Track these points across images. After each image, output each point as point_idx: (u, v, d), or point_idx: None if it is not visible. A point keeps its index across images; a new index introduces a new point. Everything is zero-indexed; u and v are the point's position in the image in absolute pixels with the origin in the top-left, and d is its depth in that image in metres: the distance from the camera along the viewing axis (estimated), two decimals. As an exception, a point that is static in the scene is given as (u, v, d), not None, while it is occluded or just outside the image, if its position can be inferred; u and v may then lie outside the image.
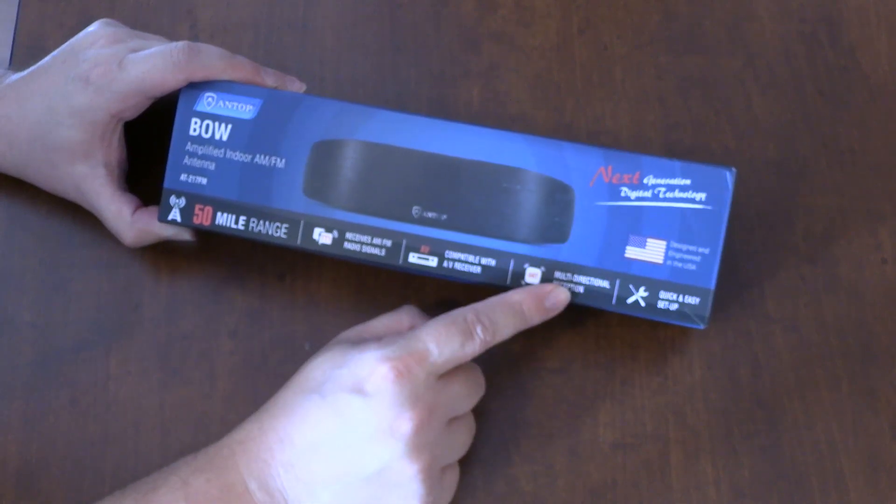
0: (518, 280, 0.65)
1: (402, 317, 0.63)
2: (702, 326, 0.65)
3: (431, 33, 0.79)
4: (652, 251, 0.65)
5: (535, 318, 0.63)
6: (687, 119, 0.76)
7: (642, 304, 0.65)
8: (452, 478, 0.62)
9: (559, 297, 0.64)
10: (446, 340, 0.60)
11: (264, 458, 0.59)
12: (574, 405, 0.67)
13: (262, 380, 0.68)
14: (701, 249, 0.65)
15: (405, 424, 0.58)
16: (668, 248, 0.65)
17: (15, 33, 0.78)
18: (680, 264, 0.65)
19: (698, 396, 0.67)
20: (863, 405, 0.67)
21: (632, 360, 0.68)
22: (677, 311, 0.65)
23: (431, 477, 0.59)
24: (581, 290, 0.65)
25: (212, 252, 0.71)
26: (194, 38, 0.78)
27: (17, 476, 0.65)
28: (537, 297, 0.63)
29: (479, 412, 0.67)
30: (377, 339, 0.61)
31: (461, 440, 0.62)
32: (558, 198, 0.65)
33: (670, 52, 0.78)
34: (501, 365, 0.68)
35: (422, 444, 0.59)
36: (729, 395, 0.67)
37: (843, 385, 0.68)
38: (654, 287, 0.65)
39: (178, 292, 0.70)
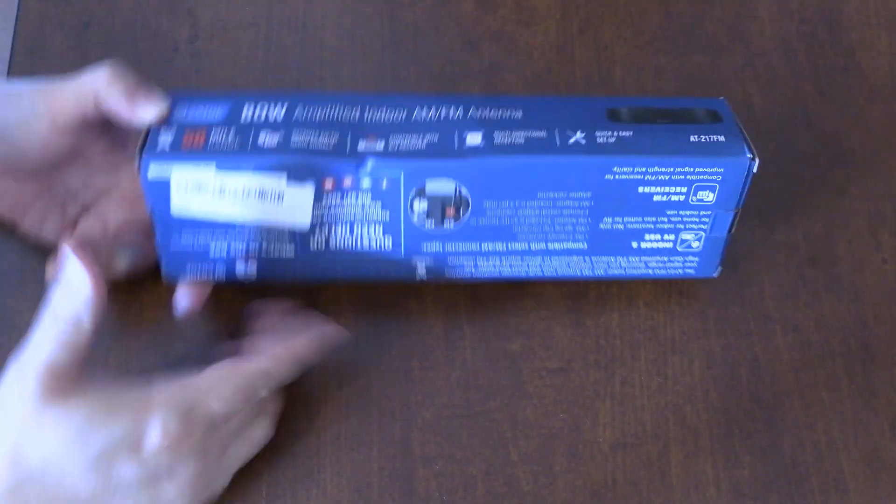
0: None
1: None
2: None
3: (431, 33, 0.79)
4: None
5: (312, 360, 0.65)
6: (687, 119, 0.76)
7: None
8: (241, 446, 0.63)
9: (334, 338, 0.66)
10: (229, 401, 0.60)
11: None
12: (574, 405, 0.67)
13: (262, 380, 0.68)
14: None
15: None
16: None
17: (15, 33, 0.78)
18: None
19: (698, 396, 0.67)
20: (863, 405, 0.67)
21: (632, 360, 0.68)
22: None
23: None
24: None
25: (212, 252, 0.71)
26: (194, 37, 0.78)
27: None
28: (320, 343, 0.65)
29: (480, 412, 0.67)
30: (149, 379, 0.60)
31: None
32: None
33: (670, 52, 0.78)
34: (501, 365, 0.68)
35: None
36: (729, 395, 0.67)
37: (843, 385, 0.68)
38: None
39: (178, 292, 0.70)
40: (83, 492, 0.57)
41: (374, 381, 0.67)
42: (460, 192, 0.62)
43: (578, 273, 0.67)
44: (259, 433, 0.64)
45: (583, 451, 0.66)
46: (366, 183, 0.62)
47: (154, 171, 0.61)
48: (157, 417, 0.58)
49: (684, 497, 0.65)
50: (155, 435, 0.58)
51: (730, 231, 0.65)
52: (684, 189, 0.63)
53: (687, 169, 0.62)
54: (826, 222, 0.73)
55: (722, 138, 0.62)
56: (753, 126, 0.75)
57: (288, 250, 0.64)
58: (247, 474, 0.65)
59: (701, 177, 0.63)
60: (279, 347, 0.63)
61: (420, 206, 0.63)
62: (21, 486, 0.57)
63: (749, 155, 0.62)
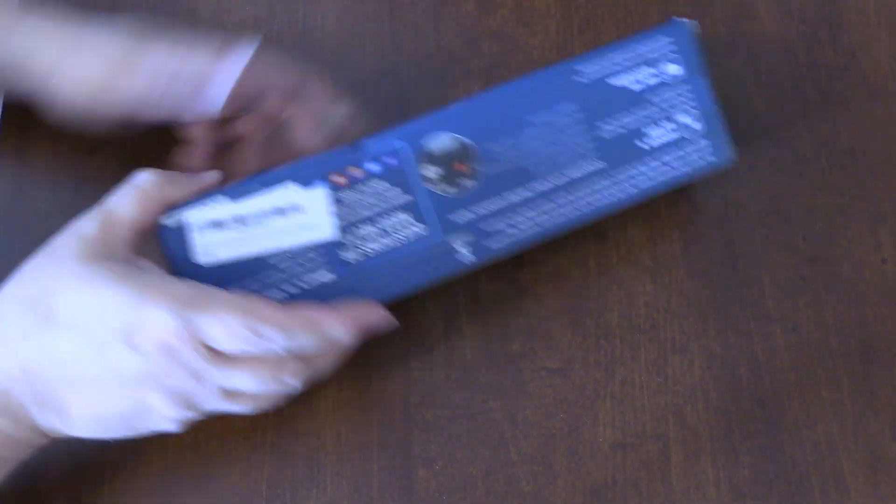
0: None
1: None
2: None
3: (431, 33, 0.79)
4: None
5: (345, 339, 0.61)
6: (687, 119, 0.76)
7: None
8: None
9: (373, 320, 0.62)
10: (231, 333, 0.57)
11: (4, 388, 0.57)
12: (574, 405, 0.67)
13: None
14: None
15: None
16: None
17: (15, 33, 0.78)
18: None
19: (698, 396, 0.67)
20: (863, 405, 0.67)
21: (632, 360, 0.68)
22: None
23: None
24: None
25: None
26: (194, 38, 0.78)
27: (15, 477, 0.65)
28: (358, 324, 0.61)
29: (480, 412, 0.67)
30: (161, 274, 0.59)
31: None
32: None
33: (670, 52, 0.78)
34: (501, 365, 0.68)
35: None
36: (729, 395, 0.67)
37: (843, 385, 0.68)
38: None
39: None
40: (73, 363, 0.57)
41: (374, 381, 0.67)
42: (462, 142, 0.65)
43: (612, 199, 0.67)
44: (260, 404, 0.61)
45: (583, 451, 0.66)
46: (373, 166, 0.64)
47: (168, 218, 0.63)
48: (158, 308, 0.56)
49: (684, 497, 0.65)
50: (150, 326, 0.56)
51: (715, 104, 0.68)
52: (652, 70, 0.67)
53: (642, 47, 0.67)
54: (826, 222, 0.73)
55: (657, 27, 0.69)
56: (753, 126, 0.75)
57: (325, 274, 0.64)
58: (247, 474, 0.65)
59: (655, 49, 0.67)
60: (311, 311, 0.60)
61: (432, 171, 0.65)
62: (36, 333, 0.57)
63: (682, 20, 0.68)
